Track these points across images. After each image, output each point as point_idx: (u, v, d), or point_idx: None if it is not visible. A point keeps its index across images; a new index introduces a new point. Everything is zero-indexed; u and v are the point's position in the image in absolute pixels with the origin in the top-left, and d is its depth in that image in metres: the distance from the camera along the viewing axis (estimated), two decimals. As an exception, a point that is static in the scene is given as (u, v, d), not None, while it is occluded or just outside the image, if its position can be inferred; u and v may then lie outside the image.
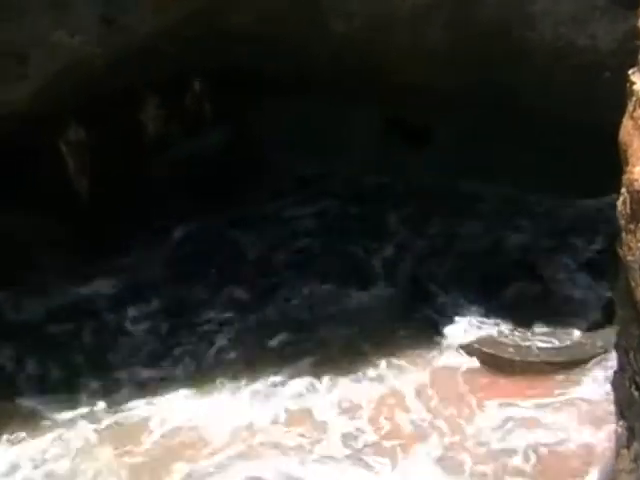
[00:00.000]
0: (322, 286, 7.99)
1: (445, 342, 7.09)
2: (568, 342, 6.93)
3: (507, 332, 7.04)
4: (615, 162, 3.12)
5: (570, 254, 8.15)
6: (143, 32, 6.80)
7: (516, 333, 7.01)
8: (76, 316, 7.77)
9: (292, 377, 6.87)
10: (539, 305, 7.32)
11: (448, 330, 7.12)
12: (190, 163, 10.12)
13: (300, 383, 6.79)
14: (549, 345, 6.88)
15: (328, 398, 6.64)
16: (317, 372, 6.91)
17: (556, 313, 7.25)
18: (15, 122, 6.95)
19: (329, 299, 7.85)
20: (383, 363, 6.95)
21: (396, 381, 6.75)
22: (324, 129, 10.01)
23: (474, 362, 6.90)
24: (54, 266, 8.47)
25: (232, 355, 7.23)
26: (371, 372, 6.87)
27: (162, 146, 10.12)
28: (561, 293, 7.51)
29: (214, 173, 10.09)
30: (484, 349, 6.88)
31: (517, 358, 6.76)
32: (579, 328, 7.06)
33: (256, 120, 10.40)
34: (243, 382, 6.84)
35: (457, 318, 7.22)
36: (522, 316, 7.18)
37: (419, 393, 6.60)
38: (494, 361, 6.82)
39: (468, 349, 6.96)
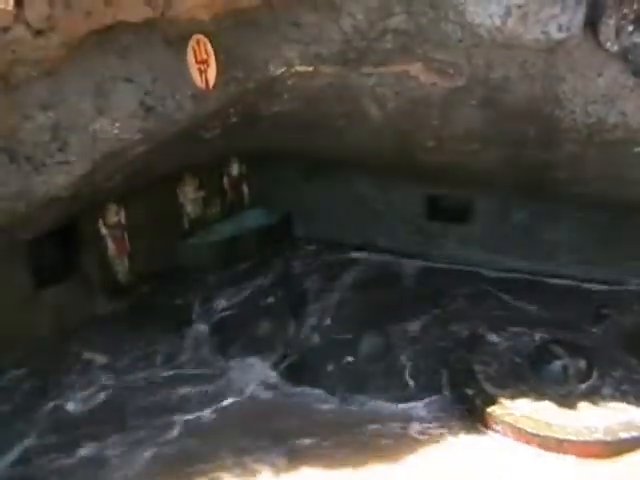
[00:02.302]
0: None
1: (488, 421, 6.94)
2: (621, 419, 6.68)
3: (552, 410, 6.87)
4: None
5: (607, 328, 8.09)
6: (182, 119, 7.00)
7: (562, 411, 6.83)
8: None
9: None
10: (586, 381, 7.12)
11: (492, 410, 6.92)
12: (228, 245, 10.32)
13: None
14: (600, 423, 6.64)
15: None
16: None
17: (602, 388, 7.05)
18: (56, 206, 7.14)
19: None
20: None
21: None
22: (366, 209, 10.20)
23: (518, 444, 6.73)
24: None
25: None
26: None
27: (200, 227, 10.35)
28: (607, 368, 7.32)
29: (250, 254, 10.28)
30: (528, 429, 6.68)
31: (563, 437, 6.55)
32: (632, 404, 6.84)
33: (295, 202, 10.61)
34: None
35: (499, 397, 7.04)
36: (569, 394, 7.01)
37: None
38: (540, 441, 6.63)
39: (510, 429, 6.79)
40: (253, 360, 8.20)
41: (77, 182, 6.91)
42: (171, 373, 8.08)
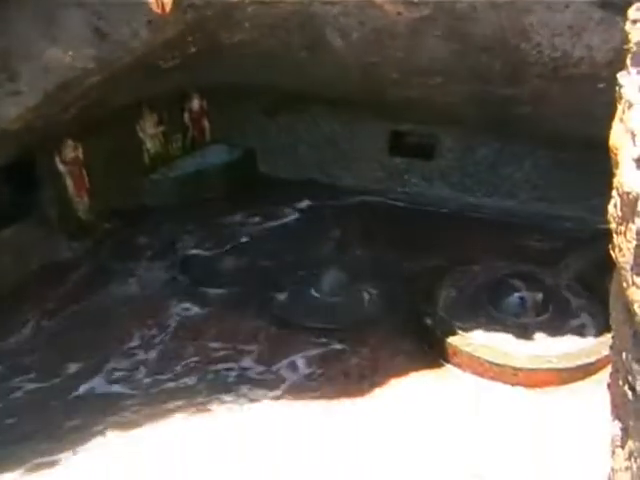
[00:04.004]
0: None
1: (447, 352, 7.01)
2: (574, 349, 6.83)
3: (509, 341, 6.95)
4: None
5: (567, 263, 8.17)
6: (138, 47, 6.76)
7: (519, 342, 6.93)
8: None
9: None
10: (542, 314, 7.25)
11: (451, 340, 7.00)
12: (190, 181, 10.15)
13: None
14: (554, 352, 6.77)
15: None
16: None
17: (558, 320, 7.20)
18: (10, 139, 6.90)
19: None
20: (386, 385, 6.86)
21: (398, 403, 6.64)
22: (329, 143, 10.07)
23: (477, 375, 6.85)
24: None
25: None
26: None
27: (162, 163, 10.15)
28: (563, 301, 7.45)
29: (213, 190, 10.13)
30: (486, 358, 6.79)
31: (520, 366, 6.69)
32: (585, 335, 7.00)
33: (258, 138, 10.44)
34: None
35: (458, 329, 7.11)
36: (525, 325, 7.12)
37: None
38: (497, 370, 6.74)
39: (468, 359, 6.88)
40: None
41: (29, 114, 6.69)
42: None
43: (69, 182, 8.96)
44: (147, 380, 6.98)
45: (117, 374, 7.07)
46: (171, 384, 6.91)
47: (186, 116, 10.26)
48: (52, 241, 8.78)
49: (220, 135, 10.56)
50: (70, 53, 6.43)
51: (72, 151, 8.83)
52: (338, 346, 7.32)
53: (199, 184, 10.15)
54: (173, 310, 7.98)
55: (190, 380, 6.95)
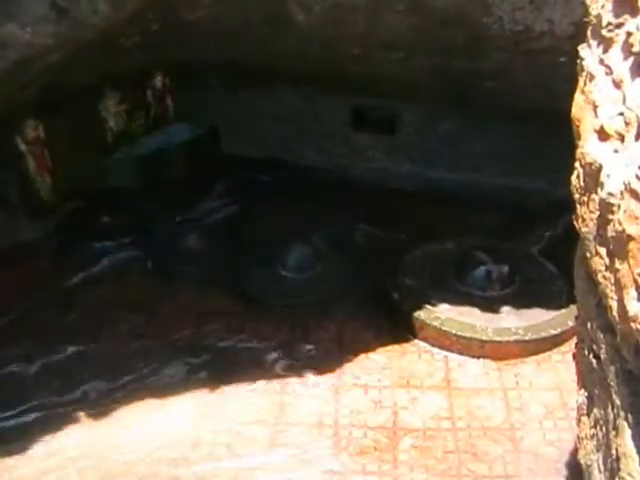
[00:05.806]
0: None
1: (414, 326, 7.07)
2: (540, 320, 6.94)
3: (475, 314, 7.03)
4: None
5: (531, 236, 8.29)
6: (98, 23, 6.61)
7: (485, 315, 7.01)
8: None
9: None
10: (508, 286, 7.35)
11: (418, 314, 7.06)
12: (153, 159, 10.03)
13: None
14: (520, 324, 6.88)
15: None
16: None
17: (524, 292, 7.31)
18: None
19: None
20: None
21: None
22: (292, 120, 10.01)
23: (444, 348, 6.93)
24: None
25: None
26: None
27: (125, 142, 10.02)
28: (529, 273, 7.57)
29: (176, 169, 10.03)
30: (453, 332, 6.87)
31: (486, 339, 6.78)
32: (550, 307, 7.11)
33: (221, 116, 10.35)
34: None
35: (425, 303, 7.17)
36: (492, 298, 7.22)
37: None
38: (464, 343, 6.84)
39: (435, 332, 6.94)
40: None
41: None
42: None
43: (31, 162, 8.83)
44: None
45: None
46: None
47: (149, 94, 10.13)
48: (14, 222, 8.64)
49: (183, 113, 10.45)
50: (28, 30, 6.26)
51: (33, 130, 8.68)
52: (304, 322, 7.36)
53: (162, 162, 10.05)
54: (136, 291, 7.96)
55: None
